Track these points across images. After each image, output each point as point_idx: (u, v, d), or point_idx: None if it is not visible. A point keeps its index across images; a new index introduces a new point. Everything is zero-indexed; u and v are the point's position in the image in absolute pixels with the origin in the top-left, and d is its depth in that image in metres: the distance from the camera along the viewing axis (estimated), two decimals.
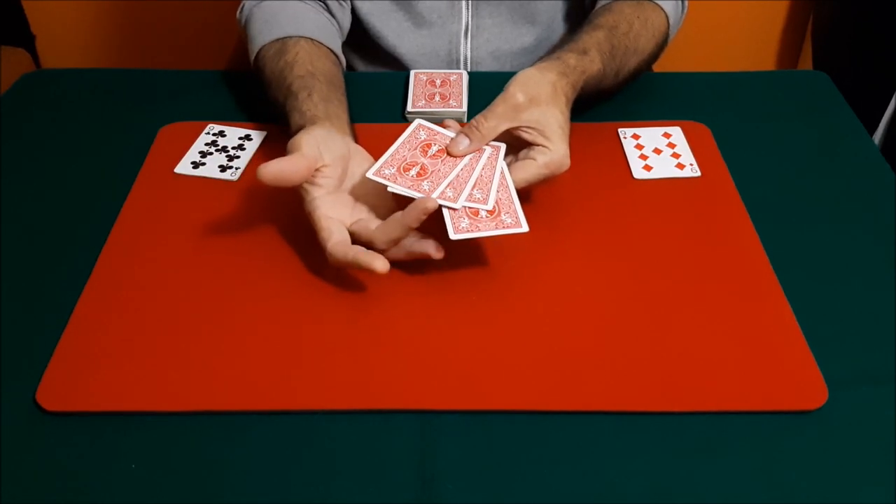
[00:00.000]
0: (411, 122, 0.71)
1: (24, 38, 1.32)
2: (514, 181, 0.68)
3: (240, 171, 0.79)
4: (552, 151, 0.69)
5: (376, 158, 0.67)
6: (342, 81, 0.81)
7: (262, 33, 0.84)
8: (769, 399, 0.59)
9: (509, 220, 0.65)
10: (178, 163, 0.80)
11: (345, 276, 0.67)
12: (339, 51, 0.87)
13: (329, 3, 0.91)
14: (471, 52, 0.99)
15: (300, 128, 0.71)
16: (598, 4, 0.87)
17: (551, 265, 0.69)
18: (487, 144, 0.69)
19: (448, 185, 0.65)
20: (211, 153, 0.81)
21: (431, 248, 0.65)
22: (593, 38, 0.78)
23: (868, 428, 0.58)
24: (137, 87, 0.92)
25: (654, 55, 0.86)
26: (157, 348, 0.62)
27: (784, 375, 0.60)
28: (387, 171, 0.66)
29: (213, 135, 0.83)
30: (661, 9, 0.86)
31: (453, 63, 0.99)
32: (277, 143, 0.79)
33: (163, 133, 0.84)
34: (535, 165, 0.69)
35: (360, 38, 1.00)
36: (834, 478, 0.55)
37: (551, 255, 0.70)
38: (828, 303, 0.66)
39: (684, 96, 0.90)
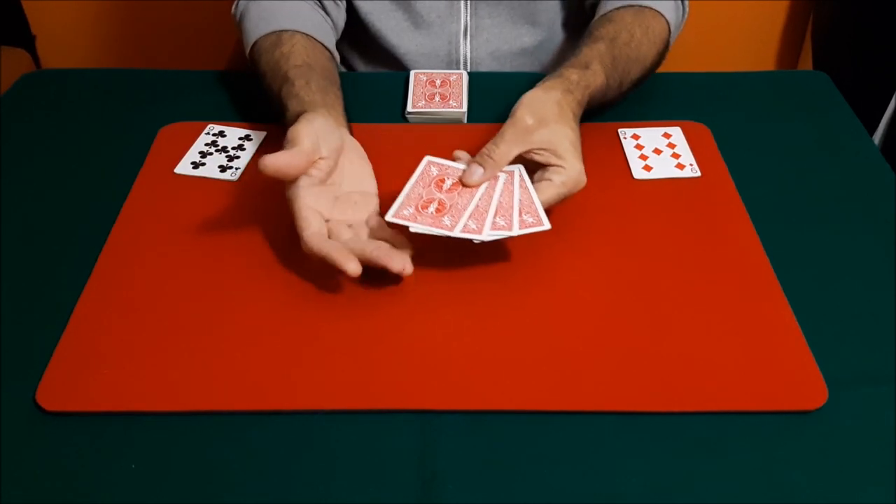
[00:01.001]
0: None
1: (24, 38, 1.32)
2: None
3: (240, 172, 0.79)
4: (567, 170, 0.68)
5: (374, 159, 0.67)
6: (337, 78, 0.81)
7: (258, 27, 0.85)
8: (769, 399, 0.59)
9: (531, 220, 0.65)
10: (178, 163, 0.80)
11: (345, 276, 0.67)
12: (333, 48, 0.87)
13: (325, 1, 0.91)
14: (470, 52, 0.99)
15: (298, 114, 0.71)
16: (599, 13, 0.87)
17: (551, 265, 0.69)
18: (502, 171, 0.69)
19: (470, 217, 0.65)
20: (211, 153, 0.81)
21: (396, 264, 0.62)
22: (594, 51, 0.78)
23: (868, 428, 0.58)
24: (137, 87, 0.92)
25: (656, 62, 0.86)
26: (157, 348, 0.62)
27: (784, 375, 0.60)
28: (405, 211, 0.65)
29: (213, 135, 0.83)
30: (662, 15, 0.86)
31: (453, 63, 0.99)
32: (277, 143, 0.79)
33: (163, 133, 0.84)
34: (553, 186, 0.68)
35: (361, 38, 1.00)
36: (834, 478, 0.55)
37: (551, 255, 0.70)
38: (828, 303, 0.66)
39: (684, 96, 0.90)
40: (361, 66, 1.05)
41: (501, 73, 1.00)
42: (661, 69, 0.88)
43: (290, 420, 0.58)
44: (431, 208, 0.65)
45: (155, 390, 0.59)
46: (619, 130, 0.84)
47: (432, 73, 0.92)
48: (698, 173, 0.79)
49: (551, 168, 0.69)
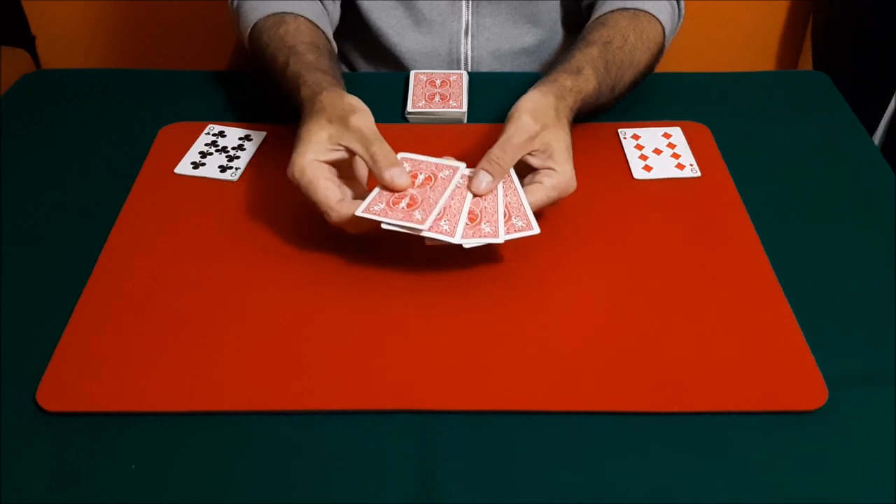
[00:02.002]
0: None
1: (24, 38, 1.31)
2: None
3: (240, 172, 0.79)
4: (559, 173, 0.68)
5: None
6: (339, 65, 0.81)
7: (258, 10, 0.84)
8: (769, 399, 0.59)
9: (520, 224, 0.65)
10: (178, 163, 0.80)
11: (344, 277, 0.67)
12: (332, 39, 0.87)
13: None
14: (471, 51, 0.99)
15: (322, 87, 0.70)
16: (593, 17, 0.86)
17: (551, 266, 0.69)
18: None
19: (443, 217, 0.64)
20: (211, 153, 0.81)
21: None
22: (587, 56, 0.78)
23: (868, 428, 0.58)
24: (137, 87, 0.92)
25: (651, 66, 0.86)
26: (157, 348, 0.62)
27: (784, 375, 0.60)
28: (376, 206, 0.65)
29: (213, 135, 0.83)
30: (657, 19, 0.85)
31: (454, 62, 0.99)
32: (277, 143, 0.79)
33: (163, 133, 0.84)
34: (544, 189, 0.68)
35: (361, 36, 1.00)
36: (834, 478, 0.55)
37: (551, 255, 0.70)
38: (828, 303, 0.66)
39: (684, 96, 0.90)
40: (362, 65, 1.04)
41: (501, 73, 1.00)
42: (661, 69, 0.88)
43: (290, 420, 0.58)
44: (403, 203, 0.65)
45: (155, 390, 0.59)
46: (619, 130, 0.84)
47: (432, 74, 0.92)
48: (698, 173, 0.79)
49: (543, 171, 0.69)
